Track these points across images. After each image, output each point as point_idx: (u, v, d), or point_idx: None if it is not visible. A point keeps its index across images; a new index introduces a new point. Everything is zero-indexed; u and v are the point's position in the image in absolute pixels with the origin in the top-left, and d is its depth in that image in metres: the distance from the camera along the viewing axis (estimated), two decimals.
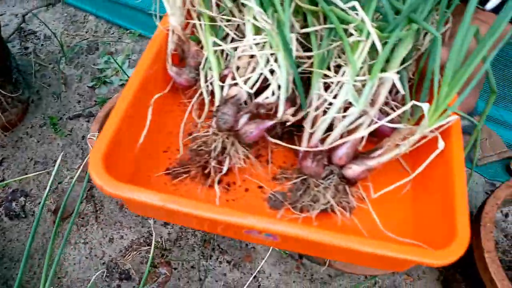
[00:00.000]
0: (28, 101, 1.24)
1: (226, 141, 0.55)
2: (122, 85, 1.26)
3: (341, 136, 0.54)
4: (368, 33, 0.51)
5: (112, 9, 1.43)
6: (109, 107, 0.99)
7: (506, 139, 1.27)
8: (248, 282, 1.00)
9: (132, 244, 1.07)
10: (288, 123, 0.57)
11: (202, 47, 0.64)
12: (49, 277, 0.70)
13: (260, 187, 0.57)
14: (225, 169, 0.55)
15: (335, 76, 0.53)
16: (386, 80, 0.54)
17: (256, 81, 0.57)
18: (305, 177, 0.55)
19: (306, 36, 0.59)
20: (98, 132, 0.93)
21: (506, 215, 0.93)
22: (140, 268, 1.04)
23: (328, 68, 0.55)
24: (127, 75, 1.30)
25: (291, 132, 0.60)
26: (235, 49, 0.60)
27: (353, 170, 0.54)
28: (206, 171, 0.56)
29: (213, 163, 0.56)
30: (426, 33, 0.60)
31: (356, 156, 0.55)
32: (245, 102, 0.58)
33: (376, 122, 0.53)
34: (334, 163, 0.55)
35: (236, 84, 0.57)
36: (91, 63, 1.36)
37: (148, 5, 1.31)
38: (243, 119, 0.55)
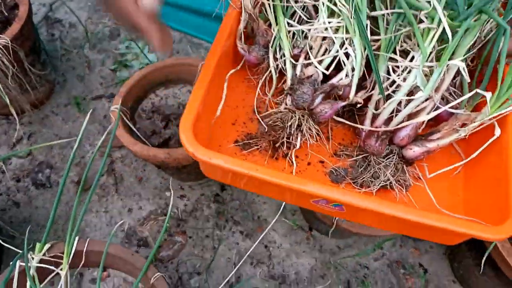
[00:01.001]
0: (54, 82, 1.32)
1: (301, 118, 0.58)
2: (142, 68, 1.32)
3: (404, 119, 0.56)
4: (440, 21, 0.51)
5: None
6: (130, 83, 1.05)
7: None
8: (254, 245, 1.05)
9: (150, 214, 1.13)
10: (358, 105, 0.59)
11: (269, 26, 0.64)
12: (73, 236, 0.76)
13: (322, 161, 0.60)
14: (298, 144, 0.58)
15: (403, 60, 0.54)
16: (451, 67, 0.55)
17: (331, 63, 0.58)
18: (367, 154, 0.59)
19: (372, 19, 0.59)
20: (121, 105, 0.99)
21: None
22: (157, 236, 1.09)
23: (394, 52, 0.56)
24: (148, 59, 1.37)
25: (352, 111, 0.62)
26: (303, 30, 0.62)
27: (413, 151, 0.56)
28: (276, 145, 0.59)
29: (285, 138, 0.58)
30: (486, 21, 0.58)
31: (416, 138, 0.58)
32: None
33: (438, 107, 0.55)
34: (395, 143, 0.58)
35: (309, 64, 0.58)
36: (112, 48, 1.43)
37: None
38: (318, 98, 0.57)
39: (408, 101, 0.55)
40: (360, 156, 0.59)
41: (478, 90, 0.54)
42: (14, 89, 1.09)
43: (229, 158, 0.51)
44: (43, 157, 1.19)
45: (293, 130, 0.58)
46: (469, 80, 0.57)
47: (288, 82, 0.60)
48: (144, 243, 1.08)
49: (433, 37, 0.52)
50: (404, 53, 0.57)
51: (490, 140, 0.55)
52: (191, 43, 1.45)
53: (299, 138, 0.59)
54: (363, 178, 0.58)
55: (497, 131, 0.54)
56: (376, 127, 0.57)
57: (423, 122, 0.57)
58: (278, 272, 1.04)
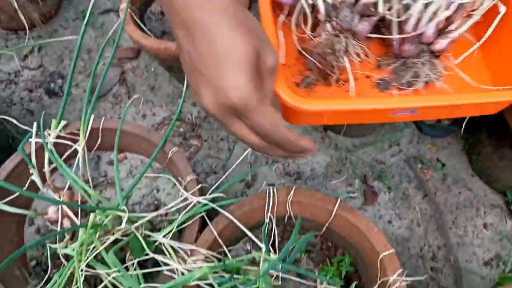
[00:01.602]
0: None
1: (347, 39, 0.64)
2: None
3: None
4: None
5: None
6: None
7: None
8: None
9: (163, 120, 1.12)
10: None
11: None
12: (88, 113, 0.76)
13: (367, 76, 0.67)
14: (347, 65, 0.64)
15: None
16: None
17: None
18: (403, 59, 0.66)
19: None
20: (128, 5, 0.97)
21: None
22: (172, 139, 1.09)
23: None
24: None
25: (377, 27, 0.67)
26: None
27: (440, 44, 0.63)
28: (327, 71, 0.64)
29: (335, 62, 0.64)
30: None
31: (439, 33, 0.64)
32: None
33: (452, 2, 0.62)
34: (423, 42, 0.64)
35: None
36: None
37: None
38: (356, 18, 0.63)
39: (425, 5, 0.63)
40: (398, 63, 0.66)
41: None
42: None
43: (330, 101, 0.58)
44: (54, 68, 1.18)
45: (342, 52, 0.63)
46: None
47: (322, 11, 0.64)
48: None
49: None
50: None
51: (498, 17, 0.62)
52: None
53: (345, 58, 0.64)
54: (407, 80, 0.65)
55: (502, 8, 0.61)
56: (409, 33, 0.63)
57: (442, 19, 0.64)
58: (293, 169, 1.04)
